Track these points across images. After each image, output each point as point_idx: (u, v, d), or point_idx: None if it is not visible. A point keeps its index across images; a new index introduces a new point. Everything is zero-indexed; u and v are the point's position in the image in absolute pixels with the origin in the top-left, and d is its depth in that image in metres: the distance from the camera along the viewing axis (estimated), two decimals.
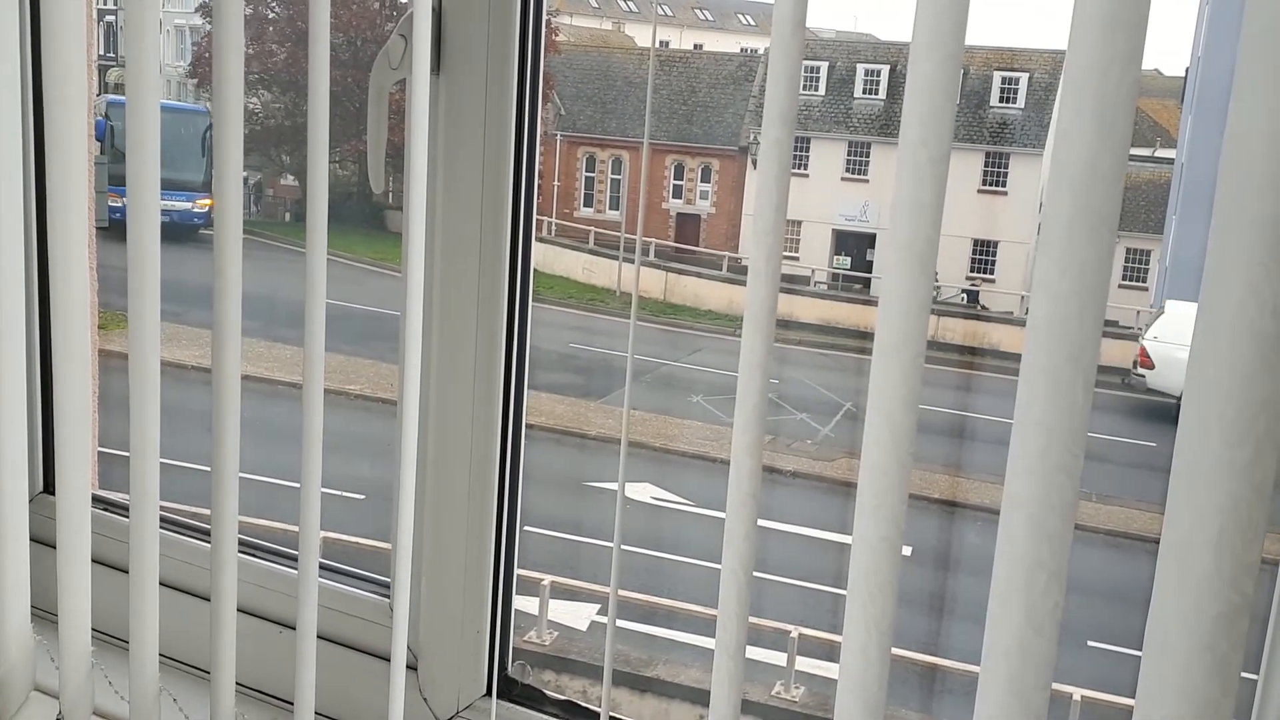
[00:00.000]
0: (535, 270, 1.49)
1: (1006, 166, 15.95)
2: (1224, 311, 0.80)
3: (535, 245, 1.47)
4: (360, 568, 1.62)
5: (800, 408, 12.28)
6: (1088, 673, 7.57)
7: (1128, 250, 15.80)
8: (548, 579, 8.41)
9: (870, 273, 16.62)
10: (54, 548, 1.45)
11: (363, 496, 8.51)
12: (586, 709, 1.47)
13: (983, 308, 14.93)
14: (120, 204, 1.30)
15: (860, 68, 16.62)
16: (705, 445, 11.75)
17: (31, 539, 1.54)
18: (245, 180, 1.33)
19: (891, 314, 0.94)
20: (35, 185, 1.69)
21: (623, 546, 1.20)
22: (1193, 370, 0.82)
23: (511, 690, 1.51)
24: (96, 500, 1.66)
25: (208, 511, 1.40)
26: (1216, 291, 0.80)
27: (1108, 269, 0.87)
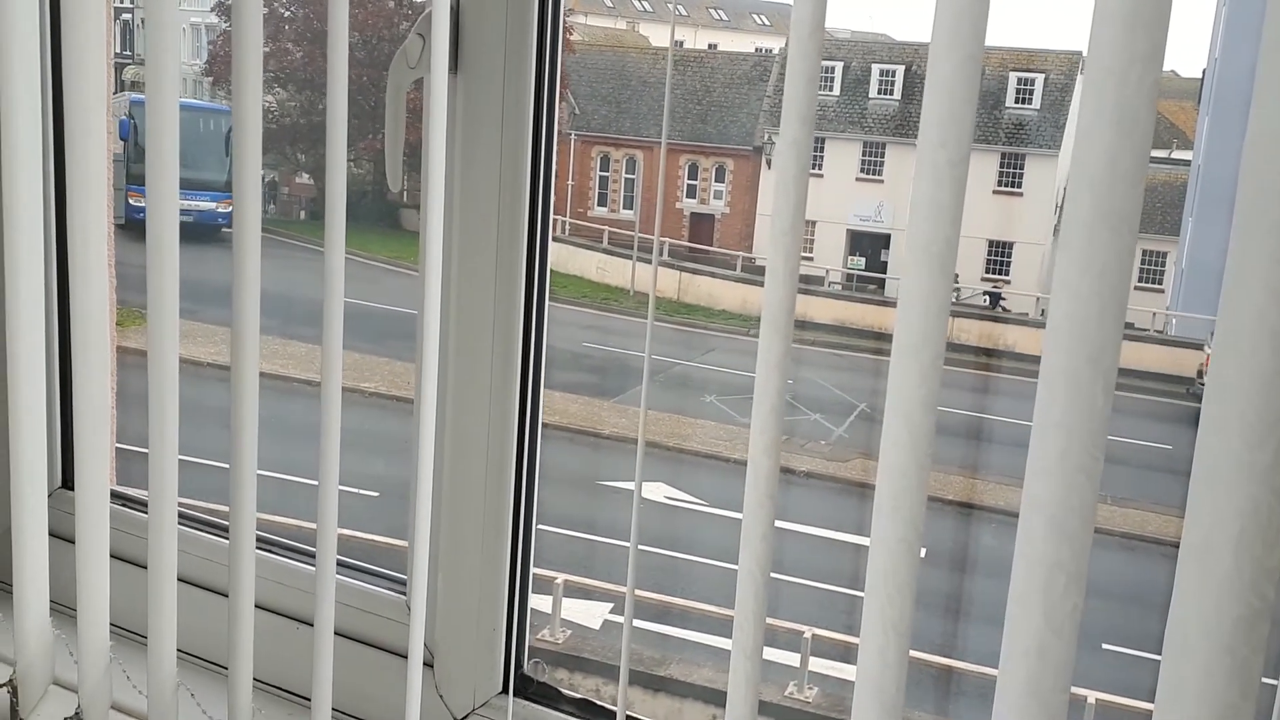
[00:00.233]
0: (550, 269, 1.49)
1: (1022, 167, 15.90)
2: (1244, 315, 0.80)
3: (550, 244, 1.47)
4: (376, 565, 1.62)
5: (814, 408, 12.26)
6: (1103, 675, 7.55)
7: (1144, 252, 15.74)
8: (561, 577, 8.42)
9: (885, 273, 16.59)
10: (73, 543, 1.46)
11: (376, 494, 8.54)
12: (602, 708, 1.47)
13: (1004, 309, 14.84)
14: (144, 203, 1.31)
15: (875, 68, 16.59)
16: (719, 445, 11.75)
17: (50, 534, 1.54)
18: (261, 178, 1.33)
19: (910, 315, 0.94)
20: (55, 182, 1.70)
21: (637, 546, 1.20)
22: (1213, 373, 0.81)
23: (527, 688, 1.51)
24: (115, 496, 1.67)
25: (223, 507, 1.41)
26: (1237, 294, 0.80)
27: (1128, 270, 0.87)
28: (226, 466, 1.34)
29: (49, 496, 1.59)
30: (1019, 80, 16.01)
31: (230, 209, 1.33)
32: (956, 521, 10.16)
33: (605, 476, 11.09)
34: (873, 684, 1.01)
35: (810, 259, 16.47)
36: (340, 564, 1.38)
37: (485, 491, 1.47)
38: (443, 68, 1.30)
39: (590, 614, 8.80)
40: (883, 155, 16.76)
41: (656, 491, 10.52)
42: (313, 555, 1.37)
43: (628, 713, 1.25)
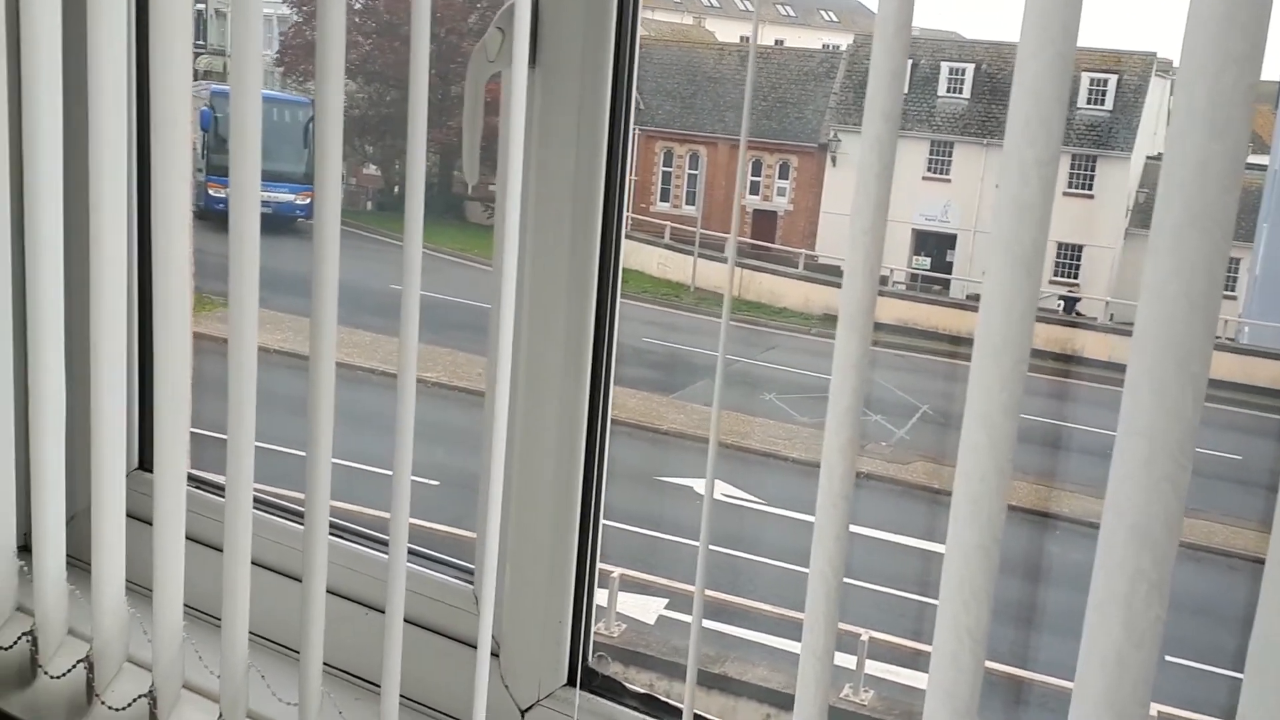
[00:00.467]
0: None
1: (1093, 169, 15.63)
2: None
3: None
4: (434, 552, 1.63)
5: (876, 409, 12.16)
6: (1168, 689, 7.42)
7: None
8: (618, 571, 8.43)
9: (950, 274, 16.40)
10: (150, 524, 1.48)
11: (437, 482, 8.60)
12: (665, 703, 1.47)
13: (1079, 314, 14.55)
14: (223, 194, 1.32)
15: (945, 66, 16.39)
16: (777, 444, 11.69)
17: (128, 515, 1.57)
18: None
19: (993, 317, 0.93)
20: (137, 172, 1.73)
21: (694, 543, 1.20)
22: None
23: (591, 681, 1.52)
24: (191, 479, 1.70)
25: (295, 493, 1.43)
26: None
27: (1219, 275, 0.85)
28: (294, 452, 1.36)
29: (127, 478, 1.63)
30: (1092, 81, 15.74)
31: (307, 201, 1.35)
32: (1015, 527, 10.04)
33: (663, 472, 11.08)
34: (945, 691, 1.00)
35: None
36: (410, 552, 1.39)
37: (554, 486, 1.48)
38: (523, 62, 1.31)
39: (646, 609, 8.80)
40: (950, 154, 16.56)
41: (715, 489, 10.48)
42: (382, 542, 1.38)
43: (695, 711, 1.25)
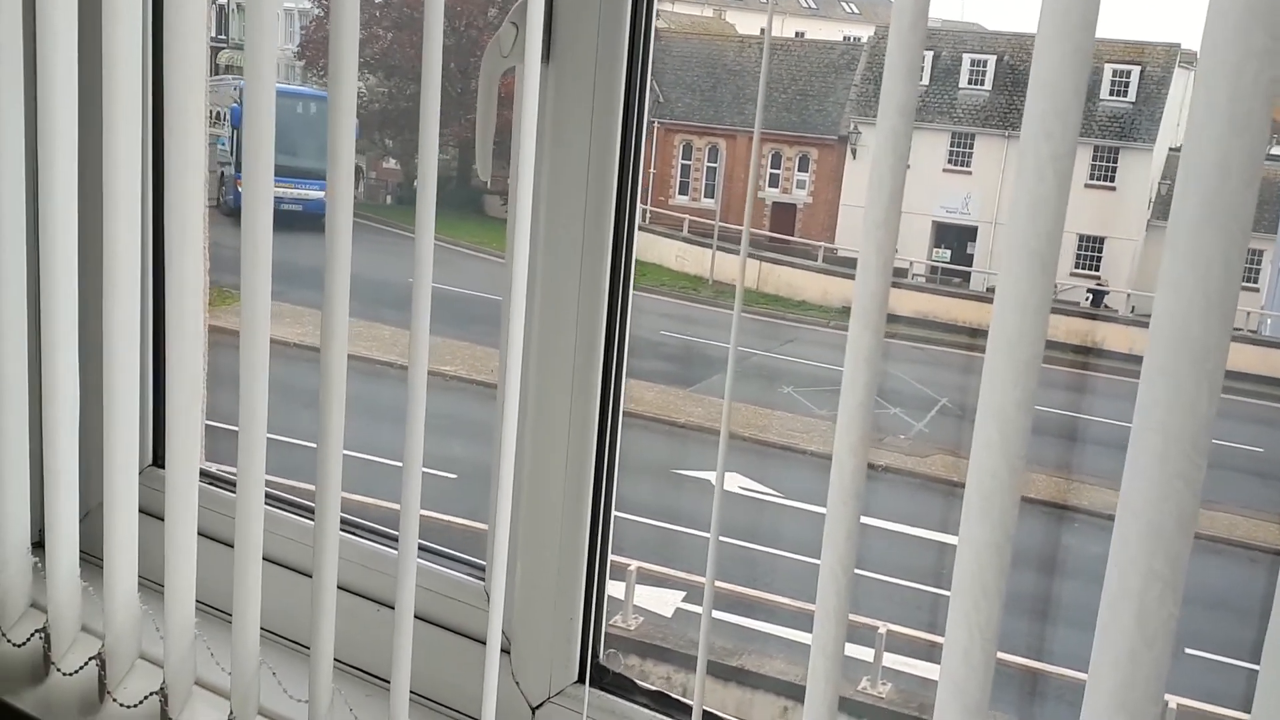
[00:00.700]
0: None
1: (1116, 161, 15.52)
2: None
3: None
4: (450, 545, 1.63)
5: (895, 402, 12.12)
6: (1186, 681, 7.38)
7: None
8: (634, 564, 8.43)
9: (971, 266, 16.32)
10: (162, 520, 1.48)
11: (454, 476, 8.61)
12: (676, 700, 1.47)
13: (1107, 307, 14.42)
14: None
15: (966, 58, 16.30)
16: (795, 437, 11.67)
17: (140, 511, 1.58)
18: None
19: (1007, 311, 0.92)
20: (152, 164, 1.73)
21: (718, 538, 1.19)
22: None
23: (602, 678, 1.51)
24: (203, 475, 1.70)
25: (306, 485, 1.43)
26: None
27: (1237, 271, 0.84)
28: (309, 445, 1.36)
29: (140, 474, 1.63)
30: (1114, 72, 15.62)
31: None
32: (1035, 519, 9.99)
33: (680, 465, 11.08)
34: (956, 686, 0.99)
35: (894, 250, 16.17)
36: (421, 548, 1.39)
37: (565, 480, 1.47)
38: (536, 57, 1.30)
39: (663, 601, 8.80)
40: (971, 146, 16.47)
41: (731, 482, 10.48)
42: (394, 538, 1.38)
43: (706, 708, 1.24)
